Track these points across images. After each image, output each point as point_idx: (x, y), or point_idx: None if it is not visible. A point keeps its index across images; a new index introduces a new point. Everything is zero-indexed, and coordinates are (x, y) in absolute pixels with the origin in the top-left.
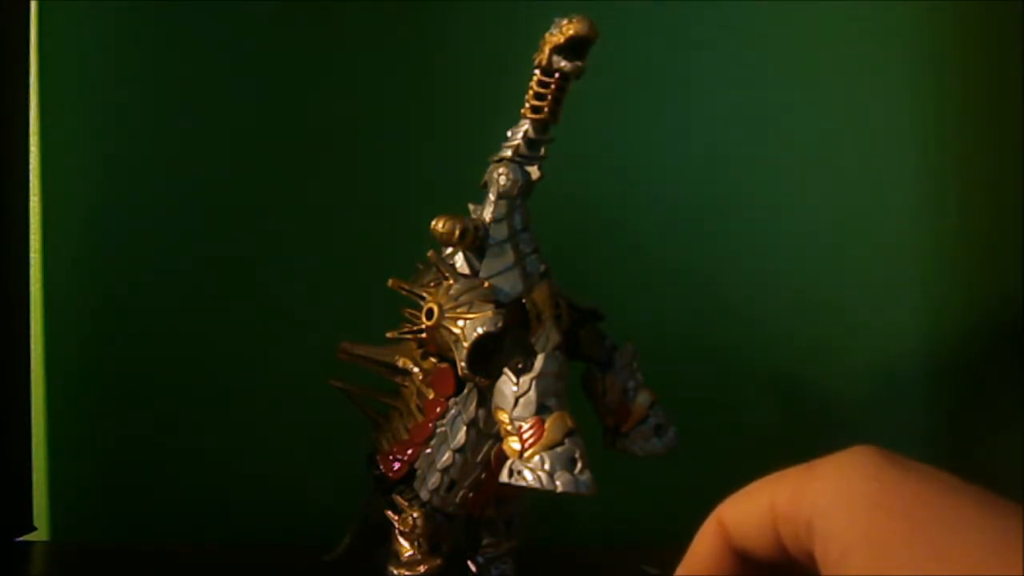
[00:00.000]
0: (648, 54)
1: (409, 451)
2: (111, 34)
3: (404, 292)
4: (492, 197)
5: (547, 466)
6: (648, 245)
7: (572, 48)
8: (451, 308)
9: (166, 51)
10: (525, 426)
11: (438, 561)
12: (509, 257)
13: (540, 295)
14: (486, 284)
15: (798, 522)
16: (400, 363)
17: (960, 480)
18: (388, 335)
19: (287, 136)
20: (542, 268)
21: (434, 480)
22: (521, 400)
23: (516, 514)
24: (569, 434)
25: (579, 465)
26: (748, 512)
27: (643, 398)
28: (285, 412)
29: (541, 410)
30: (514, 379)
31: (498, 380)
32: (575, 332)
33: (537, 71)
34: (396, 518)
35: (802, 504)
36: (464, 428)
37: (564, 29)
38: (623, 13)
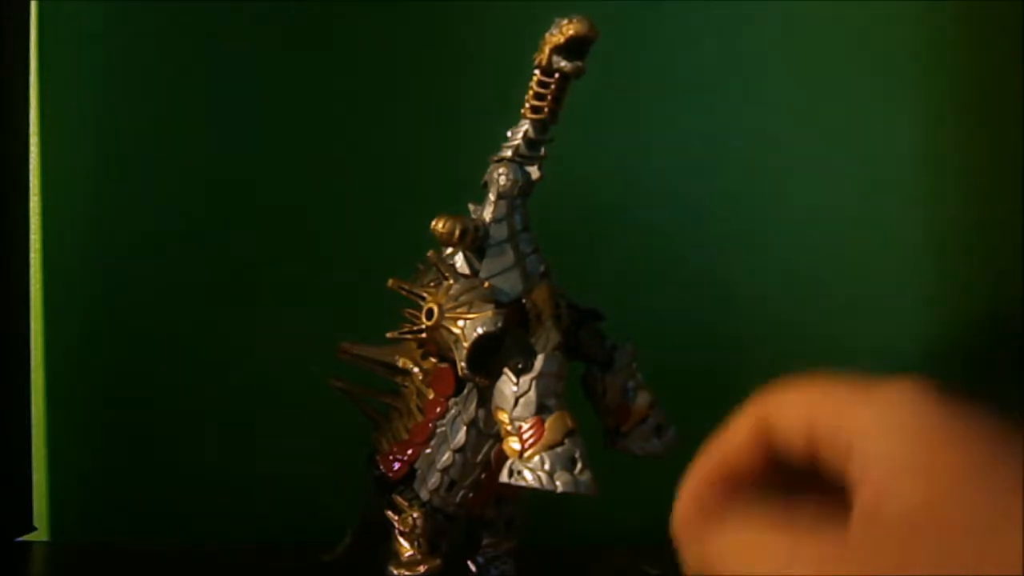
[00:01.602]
0: (648, 54)
1: (409, 451)
2: (111, 34)
3: (404, 292)
4: (492, 197)
5: (547, 466)
6: (648, 245)
7: (572, 48)
8: (451, 308)
9: (166, 51)
10: (525, 426)
11: (438, 561)
12: (509, 257)
13: (540, 295)
14: (486, 284)
15: (836, 444)
16: (400, 363)
17: (1012, 422)
18: (388, 335)
19: (287, 136)
20: (542, 268)
21: (434, 480)
22: (521, 400)
23: (516, 514)
24: (569, 434)
25: (579, 465)
26: (787, 415)
27: (643, 398)
28: (285, 412)
29: (541, 410)
30: (514, 379)
31: (498, 380)
32: (575, 332)
33: (537, 71)
34: (396, 518)
35: (843, 427)
36: (464, 428)
37: (564, 29)
38: (623, 13)
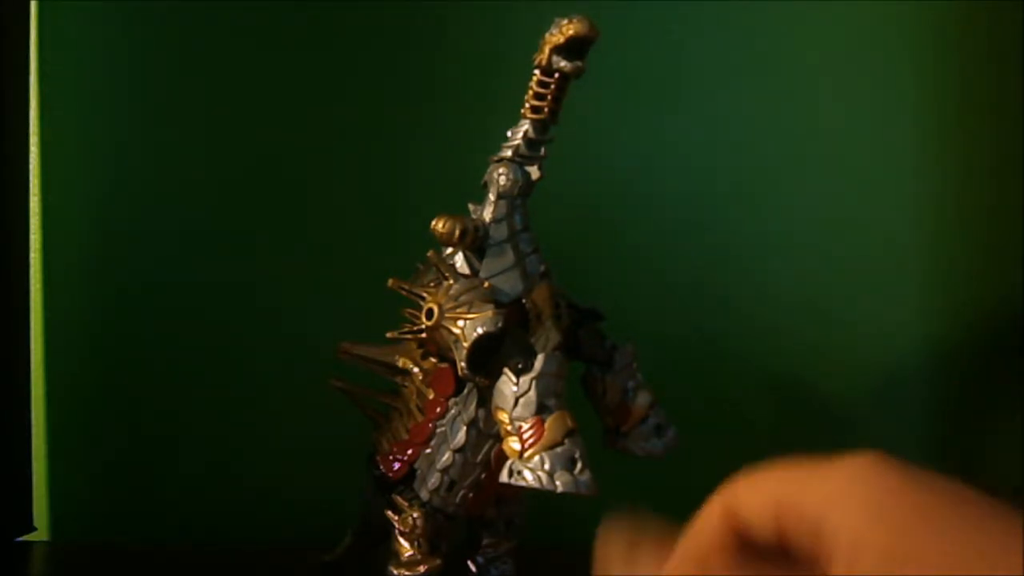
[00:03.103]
0: (648, 54)
1: (409, 451)
2: (111, 34)
3: (404, 292)
4: (492, 197)
5: (547, 466)
6: (648, 245)
7: (572, 48)
8: (451, 308)
9: (166, 51)
10: (525, 426)
11: (438, 561)
12: (509, 257)
13: (540, 295)
14: (486, 284)
15: (803, 520)
16: (400, 363)
17: (971, 489)
18: (388, 335)
19: (287, 136)
20: (542, 268)
21: (434, 480)
22: (521, 400)
23: (516, 514)
24: (569, 434)
25: (579, 465)
26: (754, 500)
27: (643, 398)
28: (285, 412)
29: (541, 410)
30: (514, 379)
31: (498, 380)
32: (575, 332)
33: (537, 71)
34: (396, 518)
35: (807, 504)
36: (464, 428)
37: (564, 29)
38: (623, 13)
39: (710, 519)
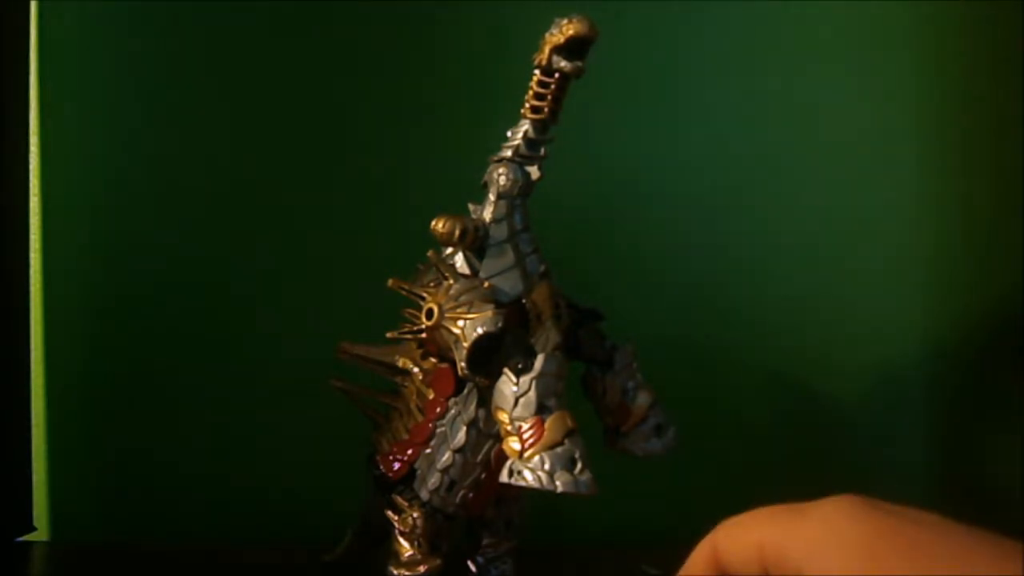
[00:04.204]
0: (648, 54)
1: (409, 451)
2: (111, 34)
3: (404, 292)
4: (492, 197)
5: (547, 466)
6: (648, 245)
7: (572, 48)
8: (451, 308)
9: (166, 51)
10: (525, 426)
11: (438, 561)
12: (509, 257)
13: (540, 295)
14: (486, 284)
15: (786, 565)
16: (400, 363)
17: (950, 521)
18: (388, 335)
19: (288, 137)
20: (542, 268)
21: (434, 480)
22: (521, 400)
23: (516, 514)
24: (569, 434)
25: (579, 465)
26: (739, 545)
27: (643, 398)
28: (285, 412)
29: (541, 410)
30: (514, 379)
31: (498, 380)
32: (575, 332)
33: (537, 71)
34: (396, 518)
35: (790, 548)
36: (464, 428)
37: (564, 29)
38: (623, 13)
39: (696, 565)
